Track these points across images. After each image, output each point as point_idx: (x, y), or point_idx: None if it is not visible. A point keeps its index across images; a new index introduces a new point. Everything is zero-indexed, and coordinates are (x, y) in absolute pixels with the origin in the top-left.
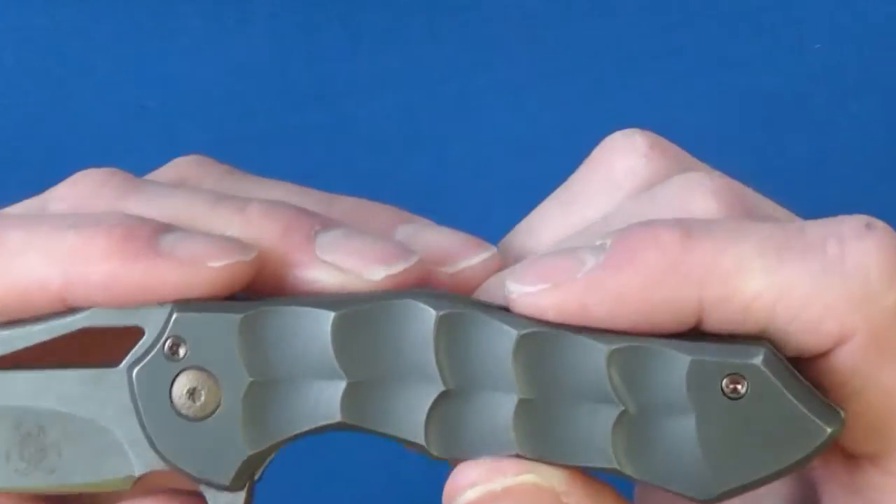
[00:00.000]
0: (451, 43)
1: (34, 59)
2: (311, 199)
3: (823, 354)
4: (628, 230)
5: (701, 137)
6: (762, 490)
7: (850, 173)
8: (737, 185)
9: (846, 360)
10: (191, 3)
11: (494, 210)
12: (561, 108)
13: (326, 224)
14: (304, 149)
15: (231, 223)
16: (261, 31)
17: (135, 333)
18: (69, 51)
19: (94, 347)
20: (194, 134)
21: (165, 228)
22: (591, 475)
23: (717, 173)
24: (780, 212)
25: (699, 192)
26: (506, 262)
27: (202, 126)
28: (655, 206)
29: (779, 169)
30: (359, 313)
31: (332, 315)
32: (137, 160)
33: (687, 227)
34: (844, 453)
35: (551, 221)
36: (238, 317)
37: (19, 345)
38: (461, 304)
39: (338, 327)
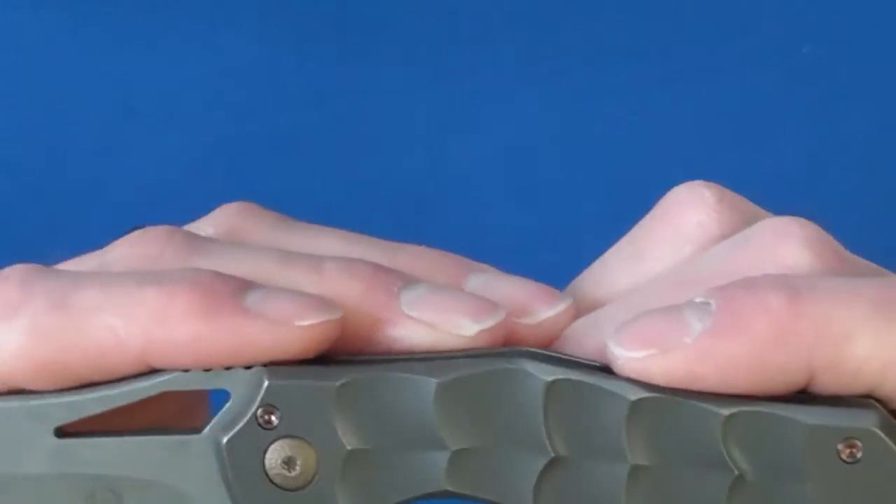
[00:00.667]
0: (442, 45)
1: (24, 62)
2: (375, 249)
3: None
4: (732, 292)
5: (692, 140)
6: None
7: (841, 176)
8: (824, 233)
9: None
10: (181, 6)
11: (487, 212)
12: (554, 111)
13: (407, 280)
14: (297, 151)
15: (308, 282)
16: (252, 33)
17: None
18: (59, 54)
19: (170, 408)
20: (186, 137)
21: (249, 285)
22: None
23: (803, 220)
24: (862, 262)
25: (792, 241)
26: (578, 310)
27: (193, 129)
28: (748, 256)
29: (769, 171)
30: (462, 380)
31: (434, 382)
32: (129, 163)
33: (793, 289)
34: None
35: (619, 273)
36: (334, 385)
37: (94, 410)
38: (566, 367)
39: (441, 395)
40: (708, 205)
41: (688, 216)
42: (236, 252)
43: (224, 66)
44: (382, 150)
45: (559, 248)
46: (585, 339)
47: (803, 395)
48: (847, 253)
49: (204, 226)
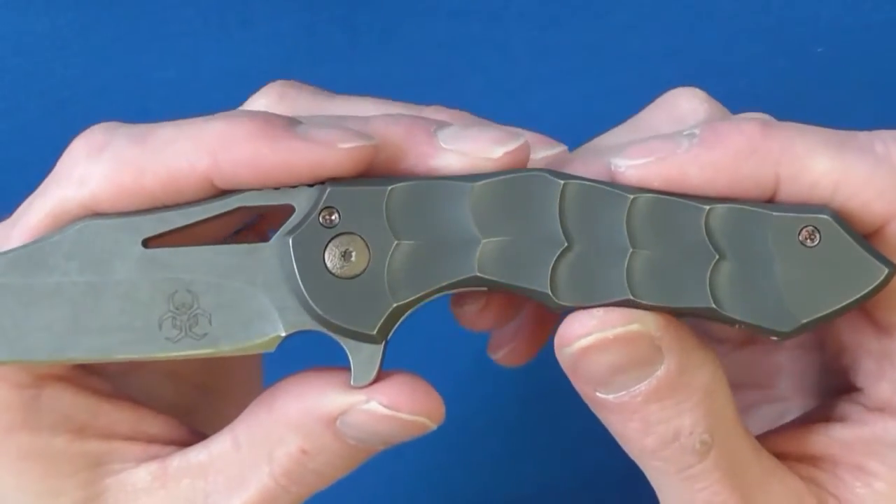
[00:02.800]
0: (452, 46)
1: (36, 64)
2: (403, 107)
3: (874, 232)
4: (714, 122)
5: None
6: (792, 354)
7: None
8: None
9: (892, 235)
10: (192, 6)
11: None
12: (559, 110)
13: (441, 123)
14: None
15: (357, 127)
16: (262, 34)
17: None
18: (71, 55)
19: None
20: None
21: (298, 121)
22: (681, 321)
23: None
24: None
25: (687, 95)
26: (575, 169)
27: None
28: (657, 108)
29: None
30: (493, 184)
31: (469, 185)
32: None
33: (764, 121)
34: (875, 322)
35: (620, 139)
36: (386, 188)
37: (179, 222)
38: (577, 176)
39: (476, 195)
40: (700, 97)
41: (684, 103)
42: (306, 110)
43: (235, 66)
44: None
45: None
46: (591, 160)
47: (771, 203)
48: None
49: (255, 99)
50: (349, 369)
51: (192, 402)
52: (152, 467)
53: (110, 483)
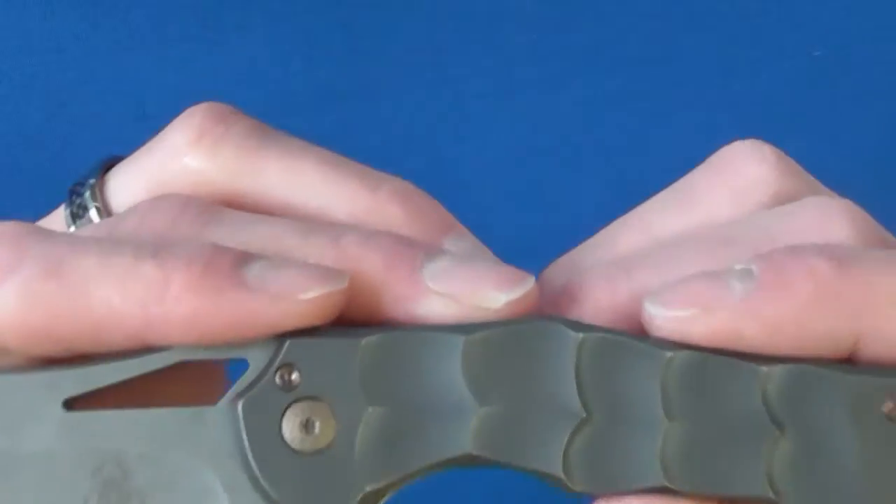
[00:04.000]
0: (449, 48)
1: (34, 67)
2: (355, 180)
3: None
4: (778, 256)
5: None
6: None
7: (851, 180)
8: (870, 218)
9: None
10: (190, 9)
11: (492, 214)
12: (559, 114)
13: (429, 252)
14: None
15: (326, 256)
16: (260, 36)
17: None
18: (69, 58)
19: (177, 395)
20: None
21: (249, 258)
22: None
23: (852, 203)
24: None
25: (837, 217)
26: (612, 252)
27: None
28: (793, 225)
29: None
30: (492, 337)
31: (462, 339)
32: None
33: (839, 256)
34: None
35: (668, 219)
36: (358, 342)
37: (108, 379)
38: (598, 328)
39: (469, 352)
40: (770, 162)
41: (748, 170)
42: (254, 224)
43: (233, 69)
44: (388, 152)
45: (562, 252)
46: (618, 282)
47: (847, 363)
48: (891, 238)
49: (173, 134)
50: None
51: None
52: None
53: None
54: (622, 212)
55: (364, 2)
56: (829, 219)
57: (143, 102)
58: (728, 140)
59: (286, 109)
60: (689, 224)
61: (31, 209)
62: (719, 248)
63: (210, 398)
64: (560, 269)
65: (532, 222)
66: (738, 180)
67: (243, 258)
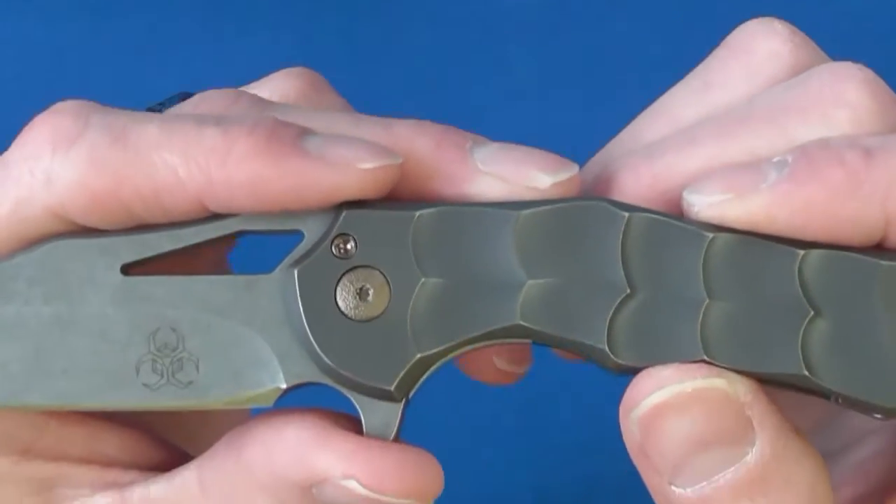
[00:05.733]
0: (449, 53)
1: (34, 71)
2: (367, 125)
3: None
4: (808, 147)
5: None
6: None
7: None
8: (882, 80)
9: None
10: (191, 15)
11: None
12: (560, 117)
13: (477, 139)
14: None
15: (379, 139)
16: (260, 42)
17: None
18: (69, 62)
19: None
20: None
21: (310, 131)
22: (771, 391)
23: (862, 66)
24: None
25: (853, 82)
26: (640, 143)
27: None
28: (809, 93)
29: None
30: (543, 214)
31: (515, 214)
32: None
33: (868, 146)
34: None
35: (689, 104)
36: (413, 214)
37: (166, 247)
38: (644, 208)
39: (521, 227)
40: (782, 36)
41: (761, 46)
42: (308, 112)
43: (233, 74)
44: None
45: None
46: (642, 168)
47: (879, 249)
48: None
49: (272, 81)
50: (345, 418)
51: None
52: (109, 499)
53: None
54: None
55: (364, 7)
56: (844, 83)
57: (144, 107)
58: None
59: None
60: (709, 107)
61: None
62: (735, 125)
63: None
64: (590, 167)
65: None
66: (752, 57)
67: (305, 130)
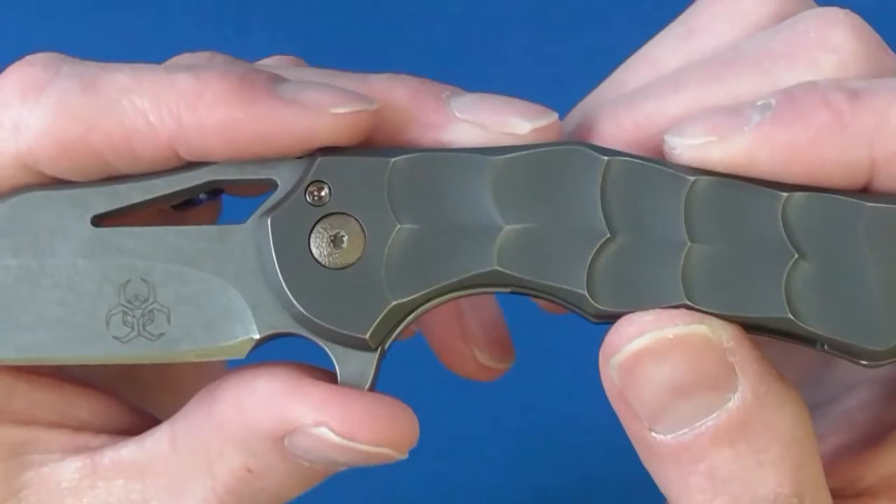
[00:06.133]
0: (448, 52)
1: None
2: (341, 78)
3: None
4: (793, 90)
5: None
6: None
7: None
8: (869, 26)
9: None
10: (189, 15)
11: None
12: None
13: (455, 90)
14: None
15: (354, 89)
16: (258, 41)
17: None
18: None
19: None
20: None
21: (283, 78)
22: (755, 338)
23: (849, 11)
24: None
25: (839, 26)
26: (623, 90)
27: None
28: (795, 37)
29: None
30: (520, 158)
31: (490, 160)
32: None
33: (854, 88)
34: None
35: (673, 51)
36: (388, 160)
37: (136, 198)
38: (623, 152)
39: (497, 172)
40: None
41: None
42: (281, 67)
43: None
44: None
45: None
46: (622, 114)
47: (864, 192)
48: (890, 51)
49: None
50: (320, 371)
51: (136, 371)
52: (79, 462)
53: (31, 477)
54: None
55: (363, 6)
56: (830, 27)
57: None
58: None
59: None
60: (693, 54)
61: None
62: (719, 69)
63: None
64: (571, 117)
65: None
66: (737, 4)
67: (277, 77)
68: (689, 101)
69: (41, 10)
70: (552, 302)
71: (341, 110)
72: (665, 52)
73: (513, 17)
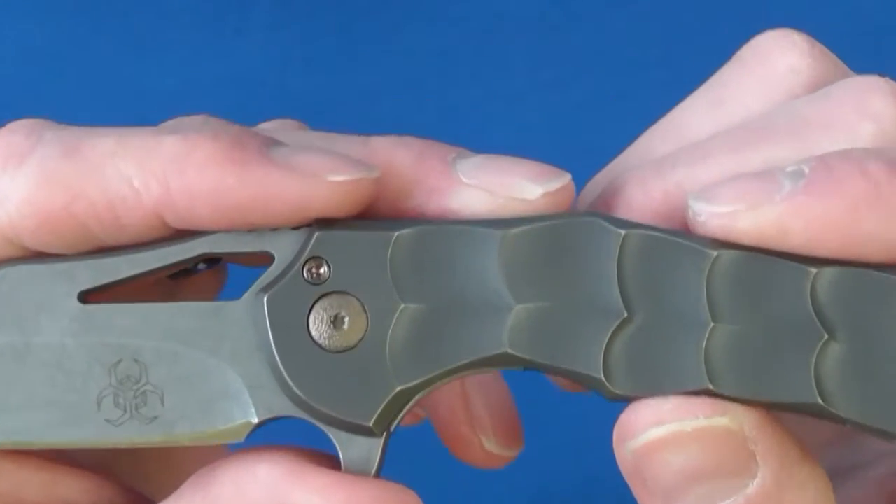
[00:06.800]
0: (448, 52)
1: (33, 72)
2: (341, 142)
3: None
4: (828, 157)
5: None
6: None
7: None
8: None
9: None
10: (189, 15)
11: None
12: (558, 118)
13: (461, 151)
14: None
15: (355, 153)
16: (259, 41)
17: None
18: (68, 63)
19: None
20: None
21: (277, 142)
22: (782, 423)
23: (889, 79)
24: None
25: (879, 94)
26: (646, 158)
27: None
28: (831, 104)
29: None
30: (530, 232)
31: (499, 234)
32: None
33: (892, 158)
34: None
35: (700, 119)
36: (391, 235)
37: (126, 272)
38: (640, 227)
39: (507, 246)
40: (801, 49)
41: (780, 60)
42: (277, 130)
43: (232, 73)
44: None
45: None
46: (651, 182)
47: None
48: None
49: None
50: (323, 455)
51: (130, 448)
52: None
53: None
54: None
55: (363, 6)
56: (869, 94)
57: (143, 107)
58: None
59: (285, 114)
60: (722, 122)
61: None
62: (753, 136)
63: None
64: (597, 181)
65: None
66: (769, 71)
67: (272, 140)
68: (720, 168)
69: (41, 10)
70: (567, 379)
71: (339, 178)
72: (694, 120)
73: (513, 17)
